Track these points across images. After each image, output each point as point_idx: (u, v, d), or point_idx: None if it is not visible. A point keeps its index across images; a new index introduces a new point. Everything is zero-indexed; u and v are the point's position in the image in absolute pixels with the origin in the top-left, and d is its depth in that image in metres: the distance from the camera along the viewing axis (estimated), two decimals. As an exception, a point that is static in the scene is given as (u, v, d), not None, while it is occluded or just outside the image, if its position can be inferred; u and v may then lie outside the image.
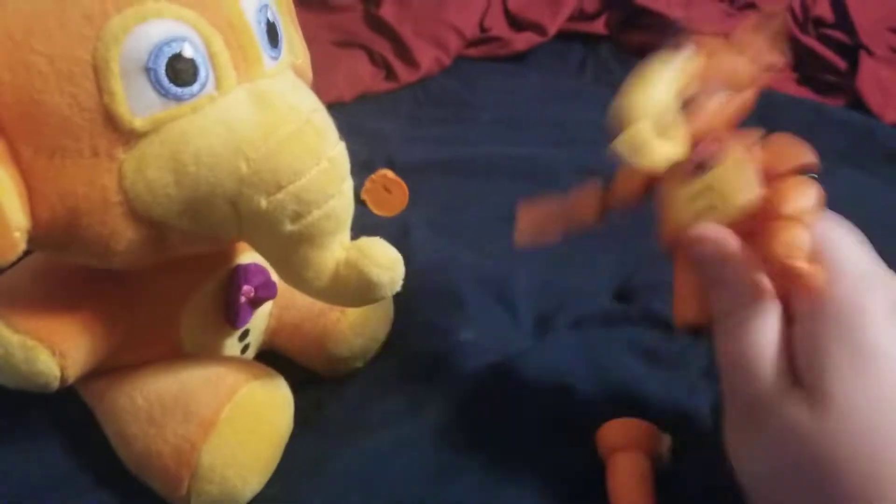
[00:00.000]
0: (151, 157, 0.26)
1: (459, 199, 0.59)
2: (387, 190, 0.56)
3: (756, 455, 0.25)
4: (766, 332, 0.25)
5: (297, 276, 0.29)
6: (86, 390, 0.35)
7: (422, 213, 0.56)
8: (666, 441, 0.33)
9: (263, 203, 0.26)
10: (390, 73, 0.79)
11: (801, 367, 0.24)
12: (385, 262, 0.29)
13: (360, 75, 0.77)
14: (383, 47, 0.80)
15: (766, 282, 0.25)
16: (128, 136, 0.26)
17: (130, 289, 0.32)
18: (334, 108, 0.82)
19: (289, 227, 0.27)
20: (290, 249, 0.28)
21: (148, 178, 0.26)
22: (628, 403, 0.37)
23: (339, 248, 0.29)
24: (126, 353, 0.33)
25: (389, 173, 0.56)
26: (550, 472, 0.34)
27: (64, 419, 0.36)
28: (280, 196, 0.26)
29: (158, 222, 0.27)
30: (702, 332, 0.28)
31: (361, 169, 0.59)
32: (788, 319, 0.25)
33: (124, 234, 0.27)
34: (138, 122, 0.25)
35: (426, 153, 0.65)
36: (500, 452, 0.35)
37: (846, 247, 0.26)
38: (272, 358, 0.39)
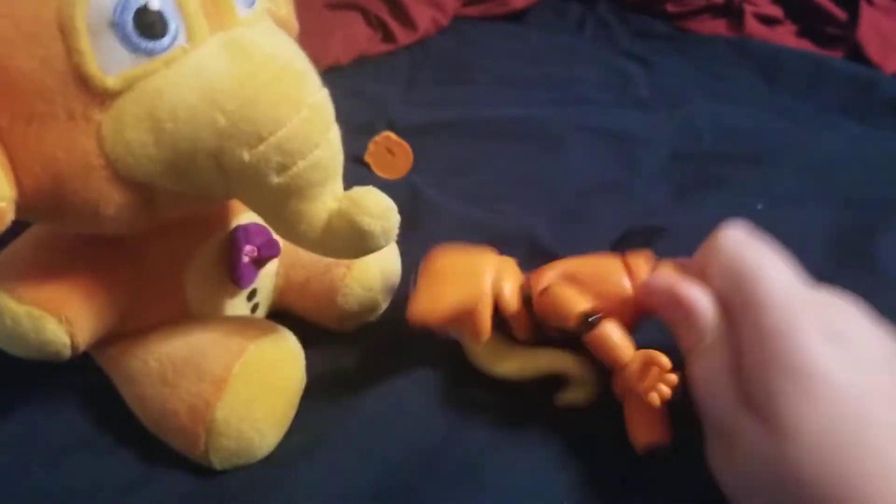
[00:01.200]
0: (128, 116, 0.24)
1: (464, 161, 0.57)
2: (390, 152, 0.54)
3: (732, 475, 0.26)
4: (716, 362, 0.26)
5: (290, 229, 0.27)
6: (100, 357, 0.34)
7: (428, 175, 0.54)
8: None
9: (246, 156, 0.24)
10: (387, 35, 0.76)
11: (752, 396, 0.25)
12: (377, 211, 0.27)
13: (357, 38, 0.74)
14: (379, 8, 0.77)
15: (710, 318, 0.27)
16: (102, 97, 0.24)
17: (132, 254, 0.31)
18: (331, 71, 0.80)
19: (275, 179, 0.25)
20: (280, 203, 0.26)
21: (127, 139, 0.24)
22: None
23: (330, 199, 0.27)
24: (134, 318, 0.32)
25: (393, 135, 0.54)
26: (563, 422, 0.33)
27: (83, 386, 0.35)
28: (262, 148, 0.24)
29: (144, 183, 0.25)
30: (661, 452, 0.29)
31: (363, 131, 0.57)
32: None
33: (111, 198, 0.25)
34: (111, 81, 0.24)
35: (428, 115, 0.62)
36: (510, 408, 0.34)
37: (772, 275, 0.26)
38: (283, 317, 0.38)
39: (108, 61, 0.24)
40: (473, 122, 0.61)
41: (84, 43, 0.23)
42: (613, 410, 0.32)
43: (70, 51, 0.23)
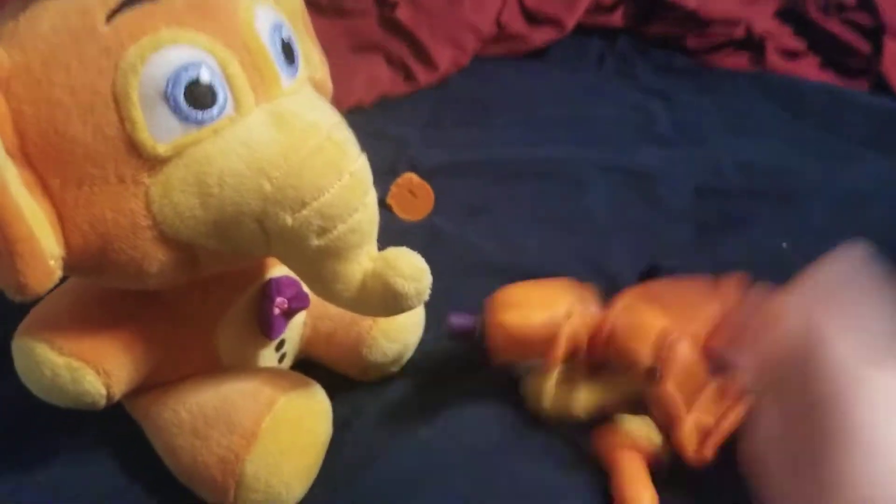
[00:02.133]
0: (176, 180, 0.26)
1: (485, 201, 0.58)
2: (412, 194, 0.55)
3: None
4: (776, 423, 0.28)
5: (326, 288, 0.28)
6: (132, 407, 0.35)
7: (449, 216, 0.55)
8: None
9: (289, 220, 0.26)
10: (409, 76, 0.78)
11: (808, 463, 0.26)
12: (411, 273, 0.28)
13: (379, 79, 0.76)
14: (401, 50, 0.79)
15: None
16: (152, 162, 0.25)
17: (167, 307, 0.32)
18: (354, 113, 0.82)
19: (315, 241, 0.26)
20: (318, 264, 0.27)
21: (174, 202, 0.26)
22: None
23: (365, 260, 0.28)
24: (167, 369, 0.33)
25: (415, 177, 0.56)
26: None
27: (114, 435, 0.36)
28: (305, 213, 0.26)
29: (188, 243, 0.27)
30: None
31: (385, 174, 0.58)
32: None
33: (156, 257, 0.27)
34: (161, 148, 0.25)
35: (449, 156, 0.64)
36: (539, 442, 0.35)
37: (834, 346, 0.27)
38: (309, 366, 0.39)
39: (160, 130, 0.25)
40: (494, 162, 0.62)
41: (137, 113, 0.25)
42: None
43: (123, 120, 0.25)
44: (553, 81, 0.80)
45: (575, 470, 0.34)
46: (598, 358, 0.34)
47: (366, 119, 0.72)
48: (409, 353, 0.40)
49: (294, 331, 0.38)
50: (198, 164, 0.26)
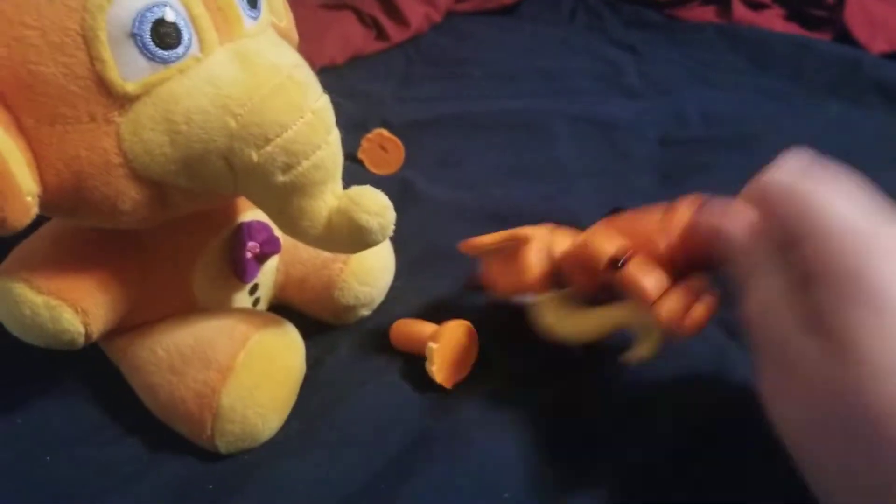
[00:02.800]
0: (145, 118, 0.27)
1: (455, 154, 0.60)
2: (383, 148, 0.57)
3: (791, 406, 0.25)
4: (773, 291, 0.26)
5: (293, 225, 0.30)
6: (110, 348, 0.37)
7: (420, 169, 0.57)
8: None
9: (254, 156, 0.27)
10: (381, 33, 0.79)
11: (825, 324, 0.24)
12: (375, 209, 0.30)
13: (351, 37, 0.77)
14: (372, 7, 0.80)
15: (761, 248, 0.27)
16: (122, 101, 0.27)
17: (143, 248, 0.34)
18: (327, 71, 0.83)
19: (280, 178, 0.28)
20: (285, 200, 0.29)
21: (144, 139, 0.27)
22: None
23: (331, 197, 0.30)
24: (144, 310, 0.35)
25: (385, 132, 0.57)
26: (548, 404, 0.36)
27: (93, 377, 0.38)
28: (269, 149, 0.27)
29: (158, 181, 0.28)
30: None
31: (356, 129, 0.60)
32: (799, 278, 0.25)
33: (128, 194, 0.28)
34: (130, 87, 0.26)
35: (420, 111, 0.65)
36: (499, 392, 0.37)
37: (838, 204, 0.25)
38: (284, 311, 0.41)
39: (128, 68, 0.26)
40: (464, 115, 0.64)
41: (106, 52, 0.26)
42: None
43: (93, 59, 0.26)
44: (525, 36, 0.82)
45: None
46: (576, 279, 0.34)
47: (338, 77, 0.73)
48: (380, 297, 0.42)
49: (267, 276, 0.40)
50: (165, 102, 0.27)
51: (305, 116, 0.28)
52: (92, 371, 0.38)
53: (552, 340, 0.35)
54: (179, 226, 0.34)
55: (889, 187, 0.49)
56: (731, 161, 0.56)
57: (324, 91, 0.30)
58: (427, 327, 0.39)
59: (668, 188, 0.54)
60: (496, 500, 0.32)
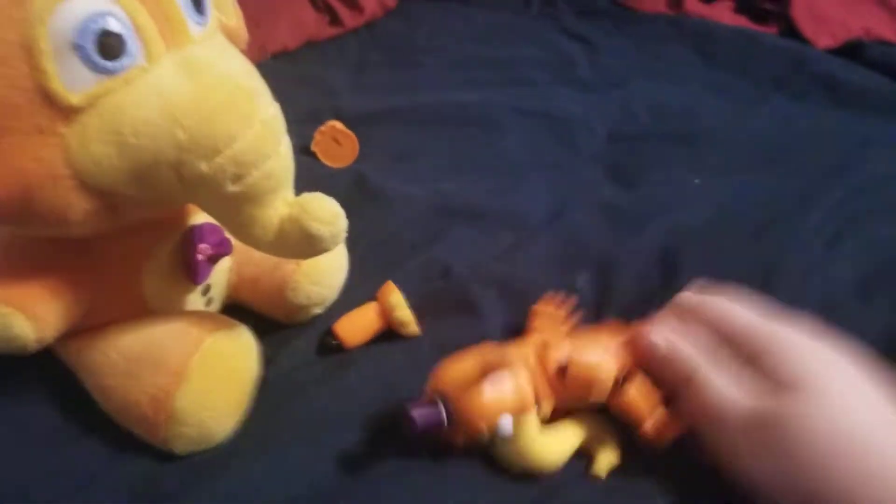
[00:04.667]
0: (93, 130, 0.27)
1: (408, 147, 0.61)
2: (336, 141, 0.57)
3: (765, 466, 0.30)
4: (718, 378, 0.32)
5: (244, 233, 0.31)
6: (63, 351, 0.37)
7: (373, 162, 0.58)
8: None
9: (204, 167, 0.28)
10: (334, 19, 0.79)
11: (788, 376, 0.30)
12: (326, 217, 0.30)
13: (304, 22, 0.77)
14: (325, -8, 0.80)
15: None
16: (67, 112, 0.27)
17: (93, 253, 0.34)
18: (279, 57, 0.83)
19: (231, 188, 0.29)
20: (235, 209, 0.30)
21: (92, 152, 0.28)
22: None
23: (282, 205, 0.31)
24: (96, 314, 0.35)
25: (338, 125, 0.58)
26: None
27: (49, 379, 0.38)
28: (219, 160, 0.28)
29: (108, 192, 0.29)
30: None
31: (309, 120, 0.60)
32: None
33: (78, 205, 0.29)
34: (74, 98, 0.27)
35: (374, 102, 0.66)
36: None
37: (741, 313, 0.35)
38: (237, 311, 0.42)
39: (72, 80, 0.27)
40: (417, 108, 0.65)
41: (48, 63, 0.26)
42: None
43: (35, 70, 0.26)
44: (478, 23, 0.83)
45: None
46: (559, 394, 0.35)
47: (291, 63, 0.73)
48: (333, 296, 0.43)
49: (219, 276, 0.41)
50: (112, 113, 0.27)
51: (255, 127, 0.28)
52: (48, 372, 0.38)
53: (526, 470, 0.34)
54: (130, 230, 0.34)
55: (827, 176, 0.53)
56: (678, 156, 0.58)
57: (274, 101, 0.31)
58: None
59: (616, 183, 0.56)
60: (449, 500, 0.34)
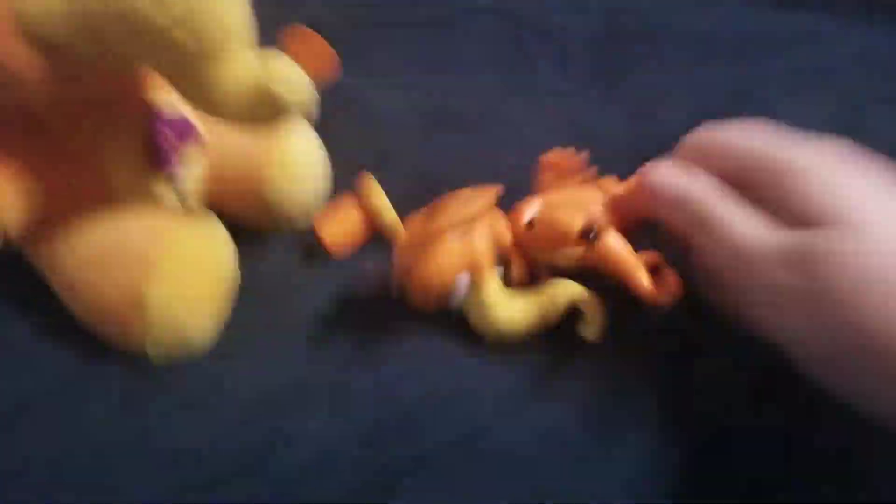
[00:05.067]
0: None
1: (384, 51, 0.56)
2: (309, 50, 0.53)
3: (783, 325, 0.27)
4: (739, 216, 0.28)
5: (203, 97, 0.29)
6: (34, 256, 0.35)
7: (348, 70, 0.53)
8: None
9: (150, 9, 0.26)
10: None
11: (815, 209, 0.26)
12: (290, 77, 0.29)
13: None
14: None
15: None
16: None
17: (52, 138, 0.32)
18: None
19: (177, 33, 0.27)
20: (191, 67, 0.28)
21: None
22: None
23: (242, 67, 0.29)
24: (59, 205, 0.33)
25: (310, 32, 0.54)
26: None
27: (17, 295, 0.37)
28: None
29: (52, 42, 0.27)
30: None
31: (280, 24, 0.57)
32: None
33: (21, 57, 0.27)
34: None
35: (343, 8, 0.61)
36: None
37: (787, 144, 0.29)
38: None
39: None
40: (389, 9, 0.59)
41: None
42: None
43: None
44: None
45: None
46: (527, 250, 0.33)
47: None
48: (315, 199, 0.41)
49: (189, 171, 0.39)
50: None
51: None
52: (16, 289, 0.37)
53: (490, 335, 0.33)
54: (88, 109, 0.32)
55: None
56: (662, 54, 0.55)
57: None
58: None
59: (597, 84, 0.53)
60: (435, 398, 0.32)
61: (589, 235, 0.31)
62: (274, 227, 0.41)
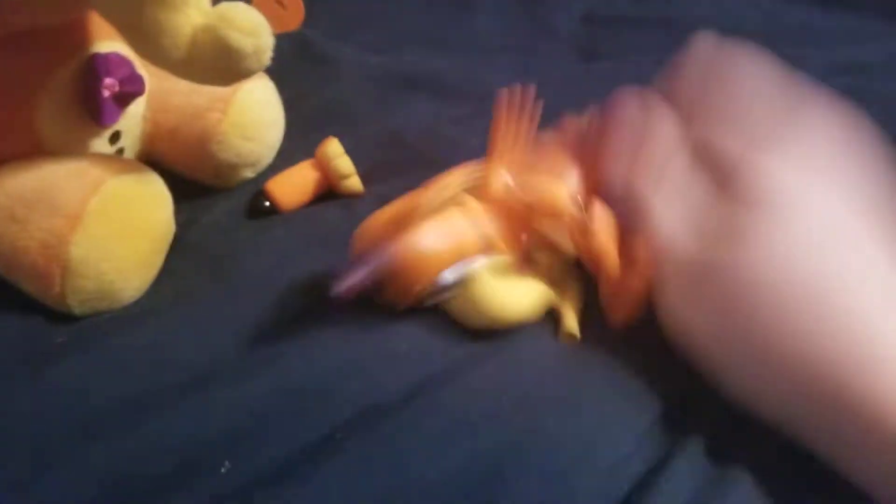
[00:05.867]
0: None
1: (365, 16, 0.56)
2: (280, 4, 0.52)
3: (697, 313, 0.26)
4: (670, 210, 0.27)
5: (151, 44, 0.26)
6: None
7: (322, 29, 0.53)
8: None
9: None
10: None
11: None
12: (247, 27, 0.27)
13: None
14: None
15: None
16: None
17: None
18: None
19: None
20: (138, 8, 0.25)
21: None
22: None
23: (195, 12, 0.26)
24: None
25: (282, -14, 0.52)
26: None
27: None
28: None
29: None
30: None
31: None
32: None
33: None
34: None
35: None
36: None
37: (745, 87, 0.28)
38: (155, 170, 0.37)
39: None
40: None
41: None
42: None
43: None
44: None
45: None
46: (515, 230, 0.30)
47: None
48: (267, 156, 0.39)
49: (131, 124, 0.36)
50: None
51: None
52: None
53: (477, 322, 0.29)
54: (17, 47, 0.30)
55: (811, 71, 0.49)
56: (654, 43, 0.55)
57: None
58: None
59: (590, 66, 0.52)
60: (391, 354, 0.30)
61: (578, 206, 0.29)
62: (222, 183, 0.38)
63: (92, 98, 0.32)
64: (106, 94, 0.32)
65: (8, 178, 0.31)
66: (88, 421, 0.27)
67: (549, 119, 0.43)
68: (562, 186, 0.29)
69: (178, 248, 0.34)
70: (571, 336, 0.29)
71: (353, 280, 0.27)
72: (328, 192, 0.37)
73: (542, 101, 0.42)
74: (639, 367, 0.28)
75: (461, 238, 0.28)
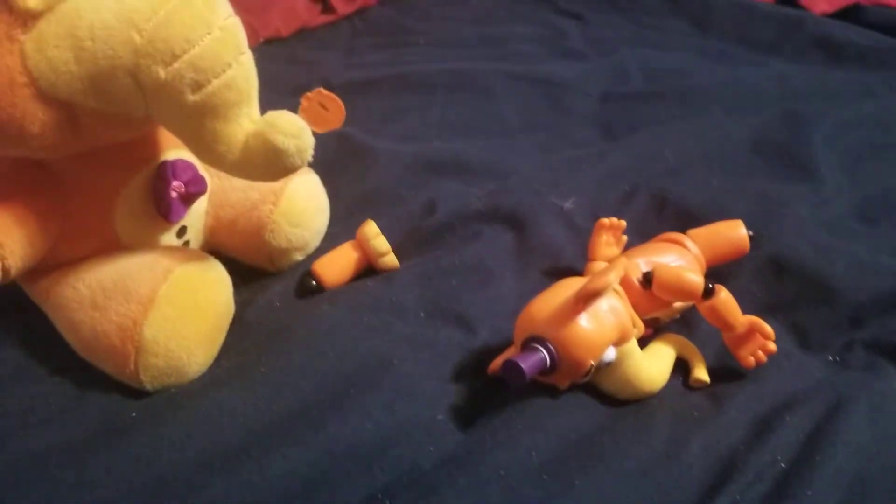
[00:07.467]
0: (50, 35, 0.28)
1: (397, 111, 0.61)
2: (323, 107, 0.58)
3: None
4: None
5: (209, 151, 0.31)
6: (33, 289, 0.37)
7: (360, 126, 0.58)
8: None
9: (161, 73, 0.28)
10: (326, 6, 0.81)
11: None
12: (291, 131, 0.31)
13: (296, 10, 0.78)
14: (317, -21, 0.81)
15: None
16: (24, 18, 0.28)
17: (62, 183, 0.34)
18: (272, 43, 0.83)
19: (191, 97, 0.29)
20: (198, 123, 0.30)
21: (49, 57, 0.28)
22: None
23: (246, 121, 0.31)
24: (65, 247, 0.35)
25: (324, 90, 0.58)
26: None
27: (18, 318, 0.38)
28: (177, 66, 0.28)
29: (66, 101, 0.29)
30: None
31: (297, 94, 0.61)
32: None
33: (36, 115, 0.29)
34: (32, 2, 0.27)
35: (363, 74, 0.67)
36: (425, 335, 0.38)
37: None
38: (217, 258, 0.41)
39: (29, -15, 0.27)
40: (406, 75, 0.66)
41: (4, -33, 0.27)
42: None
43: (-9, -25, 0.27)
44: (471, 6, 0.84)
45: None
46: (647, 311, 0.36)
47: (283, 47, 0.74)
48: (314, 240, 0.43)
49: (196, 219, 0.41)
50: (69, 18, 0.28)
51: (213, 32, 0.29)
52: (17, 314, 0.38)
53: (628, 395, 0.33)
54: (98, 160, 0.34)
55: (827, 133, 0.52)
56: (670, 113, 0.58)
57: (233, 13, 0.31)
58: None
59: (608, 141, 0.56)
60: (430, 421, 0.33)
61: (710, 292, 0.34)
62: (273, 267, 0.42)
63: (162, 199, 0.37)
64: (174, 195, 0.37)
65: (89, 271, 0.36)
66: (155, 486, 0.30)
67: (569, 193, 0.47)
68: (698, 275, 0.35)
69: (238, 326, 0.38)
70: (702, 382, 0.35)
71: (534, 363, 0.30)
72: (368, 268, 0.41)
73: (562, 176, 0.46)
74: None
75: (619, 319, 0.32)
